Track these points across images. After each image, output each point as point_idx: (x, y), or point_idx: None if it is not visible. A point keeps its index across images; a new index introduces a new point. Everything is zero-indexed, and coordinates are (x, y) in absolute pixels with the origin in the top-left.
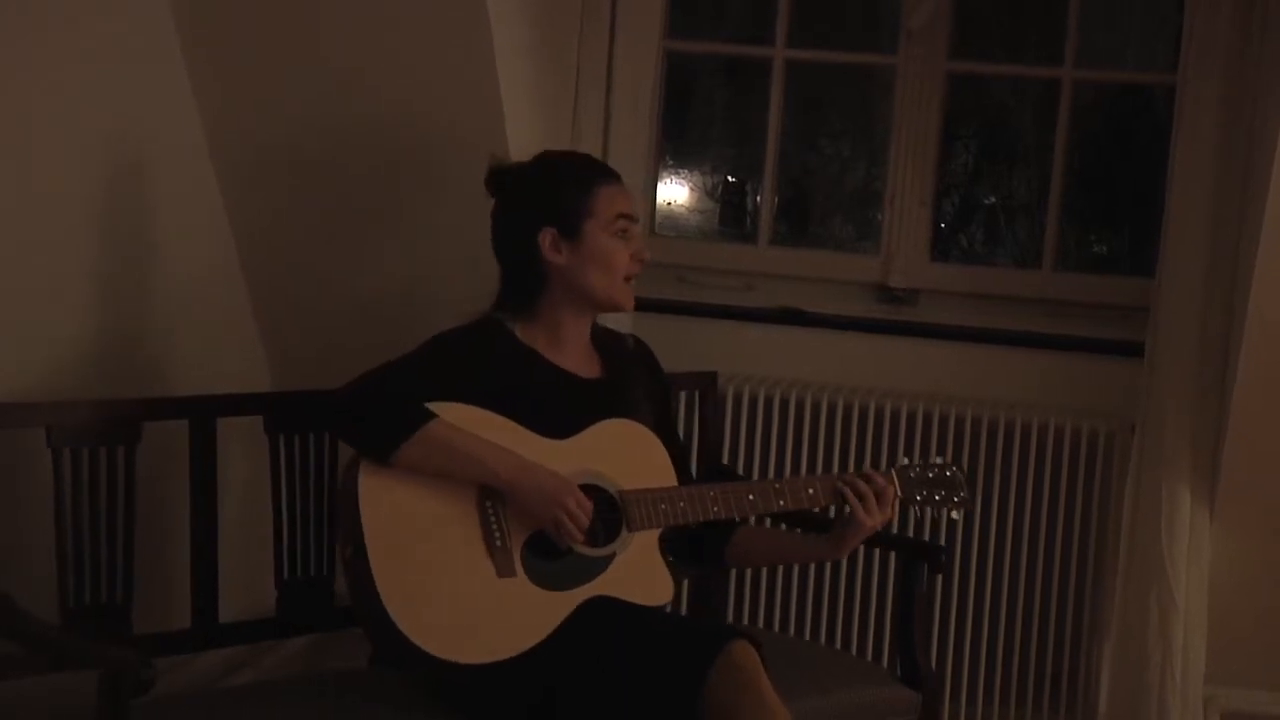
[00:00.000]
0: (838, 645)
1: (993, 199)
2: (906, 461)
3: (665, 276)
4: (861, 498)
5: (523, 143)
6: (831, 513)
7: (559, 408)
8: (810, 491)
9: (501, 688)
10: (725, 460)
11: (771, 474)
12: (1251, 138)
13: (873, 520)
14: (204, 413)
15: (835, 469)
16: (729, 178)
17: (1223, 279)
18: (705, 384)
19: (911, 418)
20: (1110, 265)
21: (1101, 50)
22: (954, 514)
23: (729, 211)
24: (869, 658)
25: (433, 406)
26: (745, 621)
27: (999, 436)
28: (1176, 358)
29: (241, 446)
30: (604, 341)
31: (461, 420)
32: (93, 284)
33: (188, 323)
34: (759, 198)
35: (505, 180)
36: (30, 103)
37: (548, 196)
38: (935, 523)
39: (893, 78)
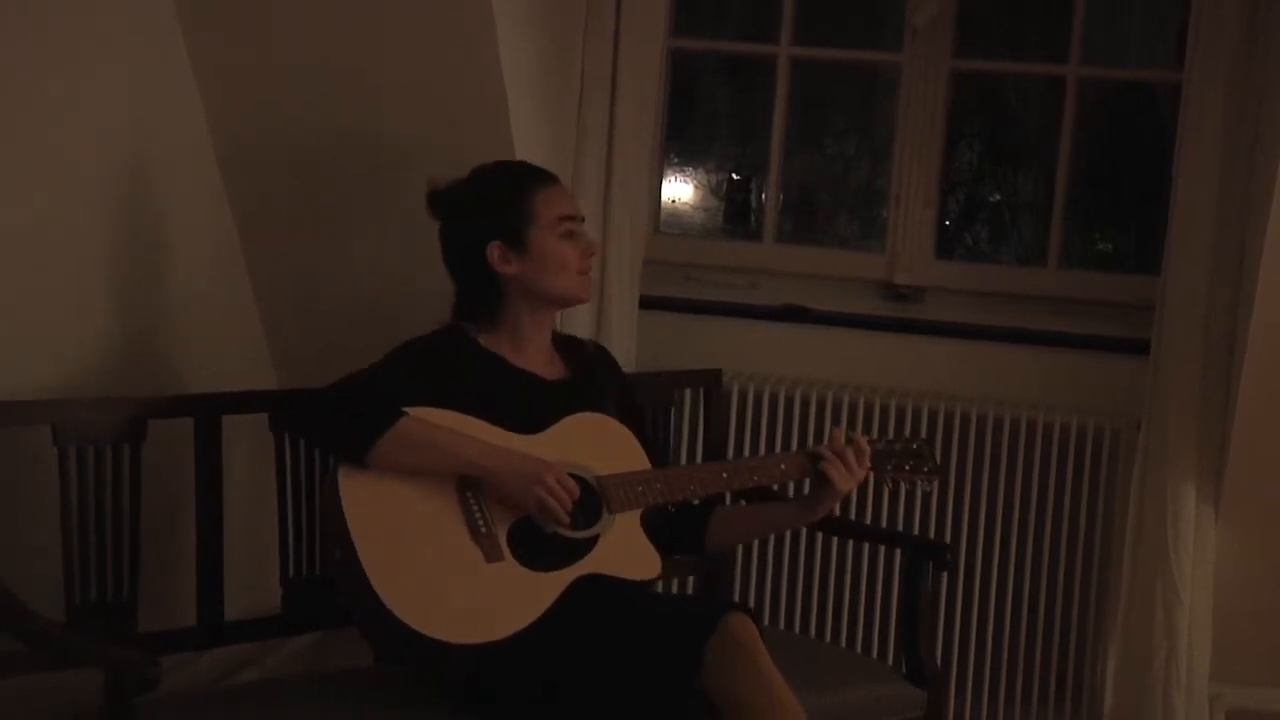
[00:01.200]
0: (843, 643)
1: (997, 197)
2: (871, 437)
3: (670, 274)
4: (840, 456)
5: (527, 141)
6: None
7: (528, 408)
8: (782, 467)
9: (501, 680)
10: (730, 458)
11: None
12: (1257, 136)
13: (852, 479)
14: (209, 411)
15: None
16: (733, 175)
17: (1228, 277)
18: (710, 382)
19: (916, 415)
20: (1115, 263)
21: (1103, 48)
22: (925, 486)
23: (733, 209)
24: (874, 655)
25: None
26: None
27: (1004, 434)
28: (1182, 356)
29: (246, 445)
30: (565, 346)
31: (432, 419)
32: (98, 283)
33: (192, 322)
34: (764, 195)
35: (443, 201)
36: (35, 103)
37: (488, 211)
38: (940, 520)
39: (897, 75)
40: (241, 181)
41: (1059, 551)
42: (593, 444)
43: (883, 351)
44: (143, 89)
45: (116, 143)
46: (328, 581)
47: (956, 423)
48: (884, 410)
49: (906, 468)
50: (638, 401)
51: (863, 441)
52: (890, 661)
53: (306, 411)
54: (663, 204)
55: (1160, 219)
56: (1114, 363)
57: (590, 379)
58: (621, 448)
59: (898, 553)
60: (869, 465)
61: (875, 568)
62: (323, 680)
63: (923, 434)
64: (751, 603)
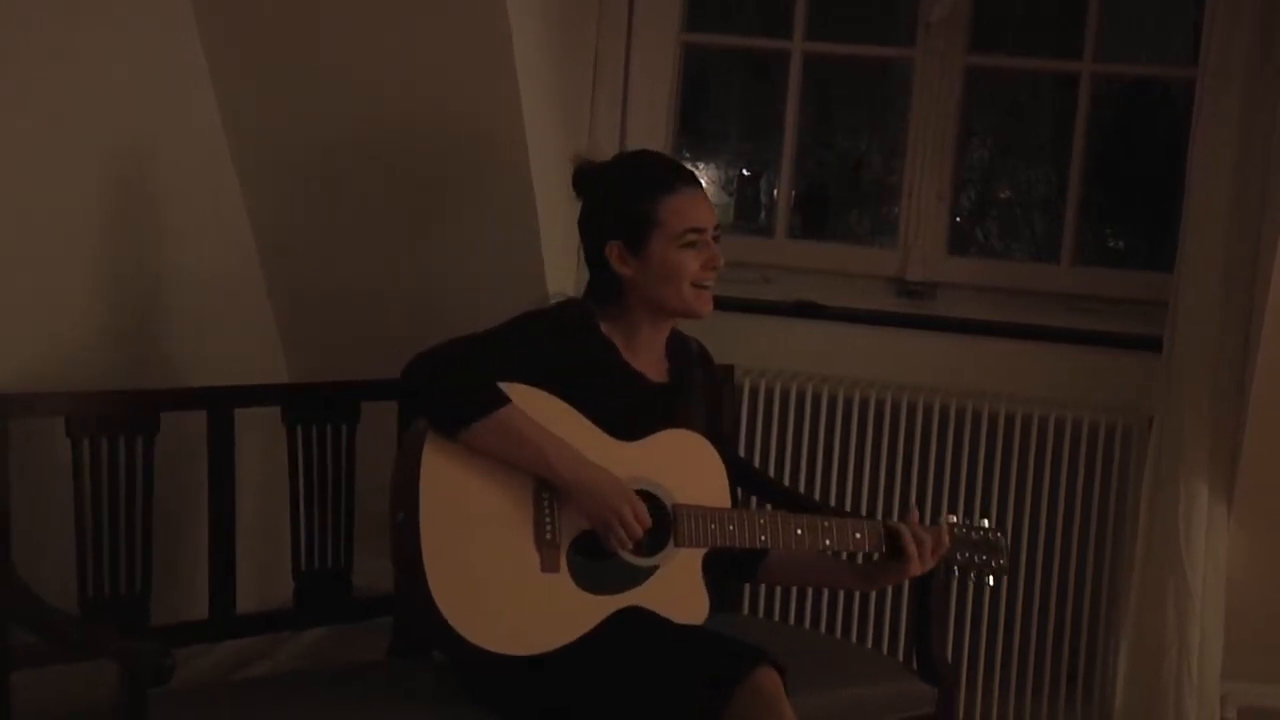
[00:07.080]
0: (855, 639)
1: (1010, 193)
2: (954, 519)
3: None
4: (919, 543)
5: (540, 138)
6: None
7: (626, 408)
8: (857, 536)
9: (520, 685)
10: (742, 454)
11: (788, 468)
12: (1271, 132)
13: (922, 567)
14: (222, 403)
15: (852, 462)
16: (745, 171)
17: (1242, 274)
18: (722, 377)
19: (928, 412)
20: (1128, 260)
21: (1114, 43)
22: (990, 580)
23: (745, 205)
24: (886, 651)
25: (508, 388)
26: (761, 614)
27: (1016, 431)
28: (1195, 353)
29: (259, 437)
30: (674, 348)
31: (534, 406)
32: (114, 277)
33: (206, 315)
34: (775, 191)
35: (584, 183)
36: (56, 101)
37: (614, 208)
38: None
39: (910, 71)
40: (255, 175)
41: (1070, 548)
42: (681, 466)
43: (895, 347)
44: (158, 85)
45: (137, 141)
46: (340, 575)
47: (968, 419)
48: (895, 406)
49: (978, 560)
50: (724, 408)
51: (945, 535)
52: (901, 657)
53: (414, 371)
54: None
55: (1174, 215)
56: (1126, 359)
57: (688, 384)
58: (708, 478)
59: None
60: (943, 554)
61: None
62: (334, 674)
63: (935, 430)
64: (762, 598)
